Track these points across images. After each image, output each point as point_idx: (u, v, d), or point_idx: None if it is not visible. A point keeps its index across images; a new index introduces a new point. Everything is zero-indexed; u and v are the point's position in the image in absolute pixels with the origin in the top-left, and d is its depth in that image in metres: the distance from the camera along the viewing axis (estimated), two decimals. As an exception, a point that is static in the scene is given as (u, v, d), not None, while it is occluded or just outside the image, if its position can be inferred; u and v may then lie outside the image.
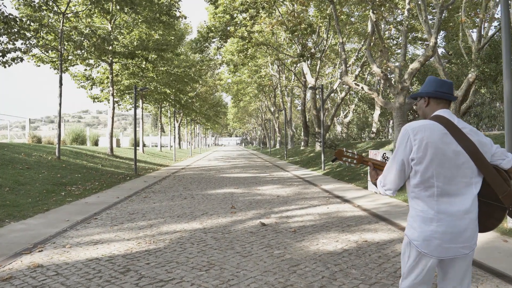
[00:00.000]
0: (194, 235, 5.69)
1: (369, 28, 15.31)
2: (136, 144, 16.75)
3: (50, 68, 19.90)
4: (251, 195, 9.97)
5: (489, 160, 2.02)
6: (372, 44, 15.85)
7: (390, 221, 6.54)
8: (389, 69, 16.68)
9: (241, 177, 15.00)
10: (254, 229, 6.02)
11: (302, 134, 34.18)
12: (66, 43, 16.97)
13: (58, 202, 8.77)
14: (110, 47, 17.53)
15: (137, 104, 31.54)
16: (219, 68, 45.62)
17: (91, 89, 25.70)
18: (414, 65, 14.72)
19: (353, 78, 15.58)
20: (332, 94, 36.59)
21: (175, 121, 47.95)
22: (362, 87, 15.33)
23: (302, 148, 31.97)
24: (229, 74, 39.58)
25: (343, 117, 37.89)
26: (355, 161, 2.38)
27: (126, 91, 26.28)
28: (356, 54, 27.54)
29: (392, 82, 15.24)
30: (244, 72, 42.32)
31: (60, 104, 15.28)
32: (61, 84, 15.28)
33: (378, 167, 2.27)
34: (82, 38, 15.26)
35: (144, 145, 43.41)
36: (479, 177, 1.98)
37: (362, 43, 25.53)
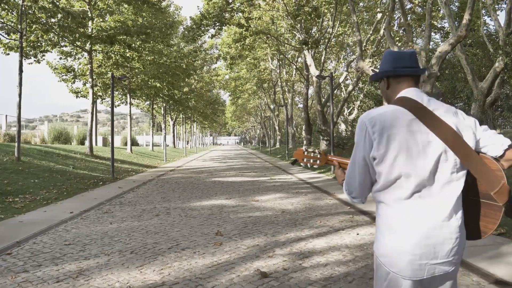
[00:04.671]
0: (140, 302, 3.23)
1: (382, 6, 12.91)
2: (113, 142, 14.28)
3: (25, 59, 17.40)
4: (247, 210, 7.49)
5: (473, 147, 1.59)
6: (391, 23, 13.37)
7: (464, 261, 4.09)
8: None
9: (236, 182, 12.53)
10: (249, 285, 3.55)
11: (304, 132, 31.78)
12: (33, 25, 14.52)
13: (-22, 222, 6.31)
14: (83, 29, 15.02)
15: (125, 100, 29.25)
16: (216, 62, 43.23)
17: (74, 82, 23.34)
18: (444, 47, 12.30)
19: (369, 64, 13.15)
20: (336, 91, 34.16)
21: (170, 118, 45.59)
22: (380, 75, 12.88)
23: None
24: (226, 69, 37.21)
25: (347, 114, 35.51)
26: (318, 162, 2.08)
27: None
28: (364, 44, 25.03)
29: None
30: (242, 68, 39.91)
31: (20, 95, 12.79)
32: (21, 71, 12.80)
33: (345, 165, 1.89)
34: (47, 15, 12.75)
35: (136, 144, 41.02)
36: (462, 171, 1.58)
37: (371, 31, 23.05)
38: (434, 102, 1.63)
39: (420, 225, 1.54)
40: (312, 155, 2.10)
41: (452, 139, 1.57)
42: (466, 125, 1.62)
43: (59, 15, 12.39)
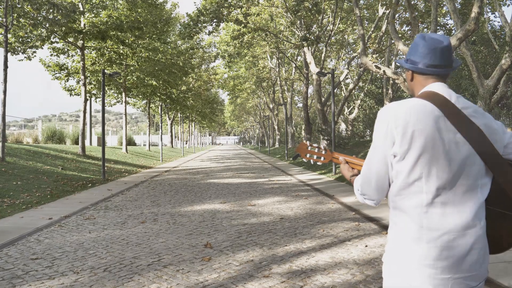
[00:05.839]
0: None
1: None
2: (103, 141, 13.62)
3: (13, 54, 16.71)
4: (242, 216, 6.85)
5: (501, 153, 1.45)
6: (396, 16, 12.74)
7: (494, 282, 3.46)
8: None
9: (232, 184, 11.89)
10: (238, 316, 2.91)
11: (303, 132, 31.17)
12: (22, 20, 13.88)
13: None
14: (73, 24, 14.37)
15: (121, 98, 28.56)
16: (214, 61, 42.58)
17: (67, 80, 22.71)
18: (451, 42, 11.63)
19: (373, 60, 12.49)
20: (336, 90, 33.55)
21: (167, 118, 44.89)
22: (384, 71, 12.27)
23: None
24: (225, 68, 36.56)
25: (347, 113, 34.93)
26: (322, 158, 1.92)
27: (106, 83, 23.13)
28: (366, 40, 24.36)
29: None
30: (240, 66, 39.24)
31: (4, 92, 12.13)
32: (6, 66, 12.14)
33: (352, 164, 1.75)
34: (33, 7, 12.11)
35: (133, 144, 40.32)
36: (487, 178, 1.43)
37: (372, 28, 22.43)
38: (462, 100, 1.47)
39: (441, 235, 1.38)
40: (316, 150, 1.94)
41: (480, 142, 1.43)
42: (494, 129, 1.47)
43: (46, 7, 11.72)
